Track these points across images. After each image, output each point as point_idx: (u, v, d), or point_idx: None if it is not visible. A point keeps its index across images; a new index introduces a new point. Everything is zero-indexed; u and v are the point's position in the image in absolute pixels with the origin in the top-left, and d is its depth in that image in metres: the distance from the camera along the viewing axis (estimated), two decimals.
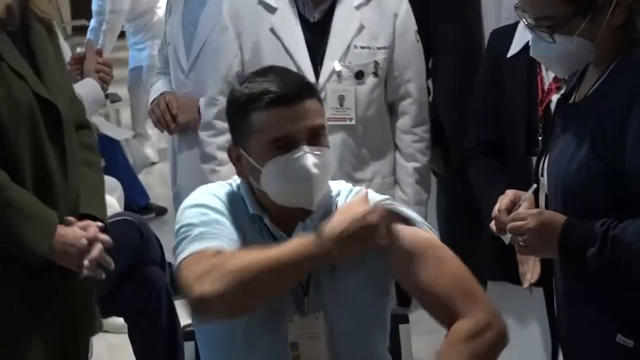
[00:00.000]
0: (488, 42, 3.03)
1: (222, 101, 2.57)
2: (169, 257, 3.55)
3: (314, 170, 2.06)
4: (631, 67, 2.15)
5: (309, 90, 2.11)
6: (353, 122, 3.08)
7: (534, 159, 2.49)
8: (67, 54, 3.48)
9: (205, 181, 2.76)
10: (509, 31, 2.91)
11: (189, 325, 2.39)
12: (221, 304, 1.97)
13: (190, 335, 2.35)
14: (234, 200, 2.16)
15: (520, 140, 2.83)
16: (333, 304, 2.10)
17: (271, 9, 3.11)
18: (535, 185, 2.31)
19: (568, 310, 2.28)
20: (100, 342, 4.30)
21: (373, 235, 2.00)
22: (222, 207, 2.13)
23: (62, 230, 2.42)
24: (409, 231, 2.09)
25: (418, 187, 3.18)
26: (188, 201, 2.16)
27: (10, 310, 2.41)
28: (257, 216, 2.13)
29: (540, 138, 2.76)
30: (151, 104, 3.82)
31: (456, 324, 2.03)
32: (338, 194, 2.20)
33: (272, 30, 3.09)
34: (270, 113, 2.07)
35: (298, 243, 2.00)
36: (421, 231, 2.12)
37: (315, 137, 2.09)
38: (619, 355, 2.16)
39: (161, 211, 6.49)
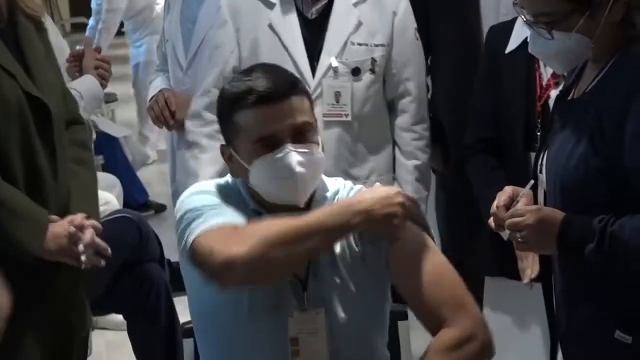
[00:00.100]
0: (486, 38, 3.02)
1: (215, 93, 2.56)
2: (168, 254, 3.55)
3: (298, 169, 2.06)
4: (629, 64, 2.15)
5: (294, 87, 2.10)
6: (349, 119, 3.07)
7: (533, 155, 2.49)
8: (66, 51, 3.48)
9: None
10: (506, 27, 2.90)
11: (188, 323, 2.39)
12: (248, 267, 1.96)
13: (189, 333, 2.35)
14: (232, 196, 2.16)
15: (519, 136, 2.82)
16: (333, 299, 2.10)
17: (270, 5, 3.11)
18: (532, 181, 2.31)
19: (567, 306, 2.28)
20: (99, 339, 4.31)
21: (396, 216, 2.02)
22: (221, 199, 2.13)
23: (51, 227, 2.39)
24: (414, 233, 2.10)
25: (418, 184, 3.17)
26: (187, 192, 2.16)
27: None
28: (256, 211, 2.14)
29: (538, 134, 2.75)
30: (150, 100, 3.83)
31: (441, 332, 2.03)
32: (337, 192, 2.20)
33: (270, 26, 3.09)
34: (254, 112, 2.07)
35: (323, 213, 2.02)
36: (425, 236, 2.13)
37: (301, 135, 2.09)
38: (617, 351, 2.16)
39: (160, 208, 6.49)
